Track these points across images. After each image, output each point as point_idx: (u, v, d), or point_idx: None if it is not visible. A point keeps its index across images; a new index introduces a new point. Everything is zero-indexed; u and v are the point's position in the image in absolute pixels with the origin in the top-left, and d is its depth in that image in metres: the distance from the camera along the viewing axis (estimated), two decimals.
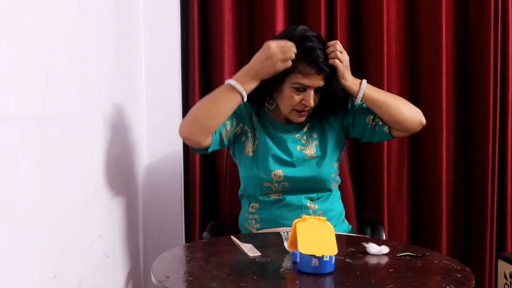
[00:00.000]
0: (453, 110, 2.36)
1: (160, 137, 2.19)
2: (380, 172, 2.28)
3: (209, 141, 1.60)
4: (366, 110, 1.72)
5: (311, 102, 1.61)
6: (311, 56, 1.56)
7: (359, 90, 1.61)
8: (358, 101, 1.63)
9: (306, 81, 1.58)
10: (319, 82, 1.60)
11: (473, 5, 2.32)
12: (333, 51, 1.58)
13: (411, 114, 1.66)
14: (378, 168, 2.29)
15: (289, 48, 1.52)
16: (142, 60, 2.17)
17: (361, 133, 1.74)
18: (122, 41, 1.92)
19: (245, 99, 1.56)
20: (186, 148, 2.24)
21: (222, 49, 2.20)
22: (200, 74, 2.22)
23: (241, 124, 1.71)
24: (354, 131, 1.75)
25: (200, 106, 1.59)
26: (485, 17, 2.28)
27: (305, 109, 1.64)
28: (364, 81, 1.63)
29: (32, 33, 1.15)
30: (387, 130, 1.68)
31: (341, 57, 1.58)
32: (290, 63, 1.53)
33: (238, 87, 1.54)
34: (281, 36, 1.62)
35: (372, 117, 1.70)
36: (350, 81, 1.62)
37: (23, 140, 1.11)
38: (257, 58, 1.55)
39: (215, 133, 1.62)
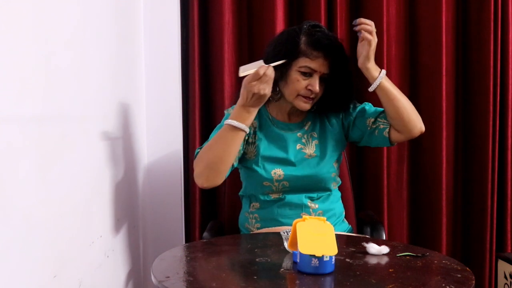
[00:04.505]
0: (453, 110, 2.36)
1: (160, 137, 2.19)
2: (380, 172, 2.28)
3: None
4: (368, 112, 1.73)
5: (317, 88, 1.62)
6: (318, 40, 1.61)
7: (377, 77, 1.62)
8: (373, 87, 1.63)
9: (313, 65, 1.61)
10: (325, 68, 1.62)
11: (473, 5, 2.32)
12: (369, 25, 1.58)
13: (415, 118, 1.68)
14: (378, 168, 2.29)
15: (262, 73, 1.50)
16: (142, 60, 2.17)
17: (360, 135, 1.75)
18: (122, 41, 1.92)
19: (248, 131, 1.57)
20: (186, 148, 2.24)
21: (222, 49, 2.20)
22: (200, 74, 2.22)
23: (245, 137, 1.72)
24: (353, 132, 1.76)
25: (210, 153, 1.59)
26: (485, 17, 2.28)
27: (310, 96, 1.65)
28: (384, 71, 1.64)
29: (32, 33, 1.15)
30: (387, 134, 1.69)
31: (375, 36, 1.59)
32: (272, 77, 1.52)
33: (241, 126, 1.55)
34: (290, 29, 1.69)
35: (373, 119, 1.71)
36: (373, 64, 1.62)
37: (23, 140, 1.11)
38: (244, 97, 1.54)
39: None
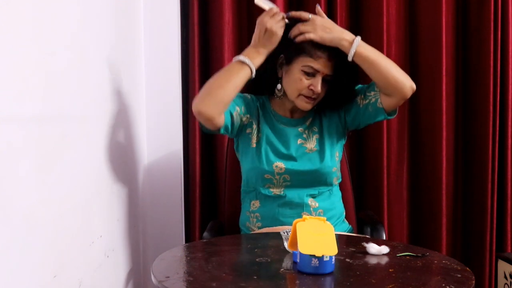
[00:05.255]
0: (453, 110, 2.36)
1: (160, 137, 2.19)
2: (380, 172, 2.28)
3: (222, 118, 1.62)
4: (356, 92, 1.73)
5: (319, 88, 1.63)
6: None
7: (350, 48, 1.60)
8: (350, 58, 1.61)
9: (316, 65, 1.61)
10: (328, 69, 1.62)
11: (473, 5, 2.32)
12: (295, 32, 1.62)
13: (401, 77, 1.64)
14: (378, 168, 2.29)
15: (276, 11, 1.60)
16: (142, 60, 2.17)
17: (354, 116, 1.75)
18: (122, 41, 1.92)
19: (254, 73, 1.61)
20: (186, 148, 2.24)
21: (222, 49, 2.20)
22: (200, 74, 2.23)
23: (248, 115, 1.74)
24: (349, 117, 1.76)
25: (213, 81, 1.62)
26: (485, 17, 2.28)
27: (312, 96, 1.65)
28: (357, 38, 1.61)
29: (33, 33, 1.15)
30: (380, 105, 1.67)
31: (303, 29, 1.61)
32: (284, 22, 1.61)
33: (247, 61, 1.60)
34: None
35: (362, 95, 1.72)
36: (335, 40, 1.60)
37: (23, 140, 1.11)
38: (257, 35, 1.62)
39: (228, 113, 1.65)
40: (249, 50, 1.63)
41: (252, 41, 1.63)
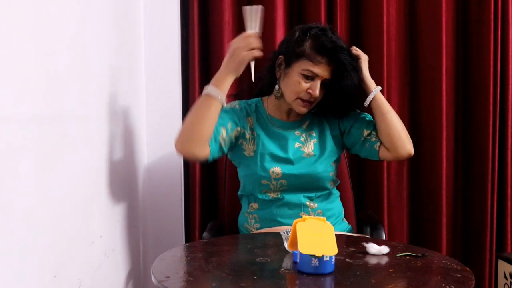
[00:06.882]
0: (453, 110, 2.36)
1: (160, 137, 2.19)
2: (380, 172, 2.28)
3: (206, 151, 1.60)
4: (365, 123, 1.75)
5: (317, 92, 1.63)
6: (323, 45, 1.61)
7: (372, 90, 1.70)
8: (368, 100, 1.69)
9: (316, 69, 1.61)
10: (327, 73, 1.63)
11: (473, 5, 2.32)
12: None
13: (405, 137, 1.71)
14: (378, 168, 2.29)
15: (251, 38, 1.53)
16: (142, 60, 2.17)
17: (352, 143, 1.77)
18: (122, 41, 1.92)
19: (224, 101, 1.57)
20: None
21: (222, 49, 2.20)
22: (200, 74, 2.23)
23: (237, 128, 1.71)
24: (347, 139, 1.77)
25: (186, 120, 1.60)
26: (485, 17, 2.28)
27: (310, 99, 1.65)
28: (379, 87, 1.72)
29: (33, 33, 1.15)
30: (377, 148, 1.71)
31: (357, 50, 1.74)
32: (258, 52, 1.54)
33: (213, 91, 1.56)
34: (301, 28, 1.68)
35: (368, 131, 1.73)
36: (368, 77, 1.72)
37: (23, 140, 1.11)
38: (226, 58, 1.58)
39: (213, 141, 1.62)
40: (216, 76, 1.58)
41: (222, 64, 1.59)
